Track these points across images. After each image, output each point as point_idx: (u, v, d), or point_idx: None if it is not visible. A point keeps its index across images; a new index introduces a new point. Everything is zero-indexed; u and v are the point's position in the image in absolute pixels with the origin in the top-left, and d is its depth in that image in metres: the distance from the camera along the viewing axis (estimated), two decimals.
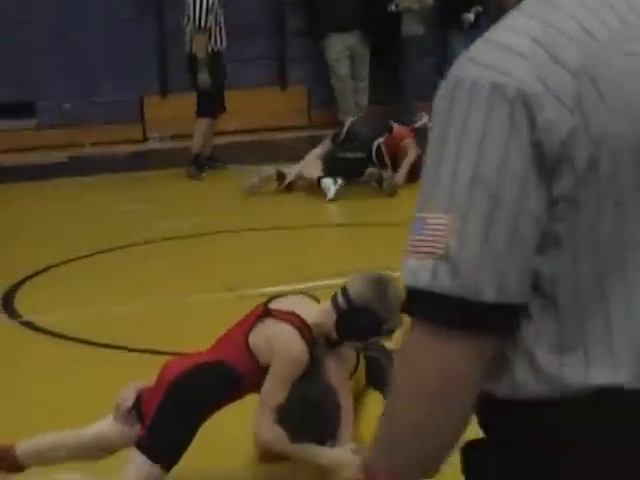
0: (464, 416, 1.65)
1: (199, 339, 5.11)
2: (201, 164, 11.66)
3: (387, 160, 10.84)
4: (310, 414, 4.24)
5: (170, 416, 4.22)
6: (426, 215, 1.60)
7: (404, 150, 11.04)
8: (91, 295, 7.70)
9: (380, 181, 10.65)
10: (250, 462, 4.64)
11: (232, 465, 4.75)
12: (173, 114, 13.72)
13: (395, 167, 10.94)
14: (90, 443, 4.43)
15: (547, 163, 1.57)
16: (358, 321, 4.23)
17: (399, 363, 1.70)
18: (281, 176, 10.84)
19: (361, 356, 4.52)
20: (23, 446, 4.50)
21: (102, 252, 8.83)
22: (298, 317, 4.28)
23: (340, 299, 4.27)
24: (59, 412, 5.36)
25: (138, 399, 4.36)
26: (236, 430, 4.70)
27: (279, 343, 4.26)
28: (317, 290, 5.48)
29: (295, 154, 11.53)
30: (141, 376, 4.92)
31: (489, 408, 1.66)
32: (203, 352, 4.48)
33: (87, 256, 8.73)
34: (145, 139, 14.29)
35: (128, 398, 4.35)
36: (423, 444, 1.65)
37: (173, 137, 13.92)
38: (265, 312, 4.37)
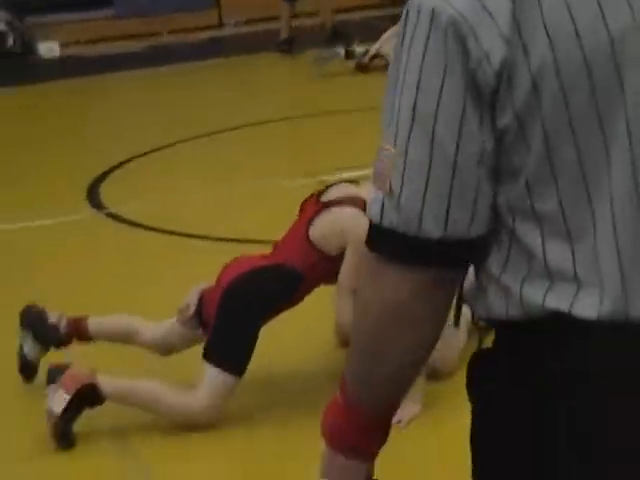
0: (410, 345, 1.64)
1: (280, 227, 5.03)
2: (287, 47, 11.64)
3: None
4: None
5: (230, 323, 4.20)
6: (381, 145, 1.59)
7: None
8: (173, 185, 7.70)
9: None
10: (331, 349, 4.63)
11: (313, 353, 4.76)
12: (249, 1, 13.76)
13: None
14: (152, 342, 4.47)
15: (484, 96, 1.51)
16: None
17: (357, 291, 1.72)
18: (350, 54, 10.72)
19: None
20: (95, 321, 4.58)
21: (183, 141, 8.77)
22: (361, 200, 4.23)
23: None
24: (138, 298, 5.41)
25: (200, 302, 4.35)
26: (317, 318, 4.68)
27: (351, 227, 4.18)
28: None
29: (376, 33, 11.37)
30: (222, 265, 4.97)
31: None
32: (262, 255, 4.45)
33: (168, 146, 8.68)
34: (221, 25, 14.21)
35: (191, 304, 4.35)
36: (367, 366, 1.66)
37: (247, 22, 13.88)
38: (323, 205, 4.34)
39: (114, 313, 4.74)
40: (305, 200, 4.46)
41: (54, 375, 4.13)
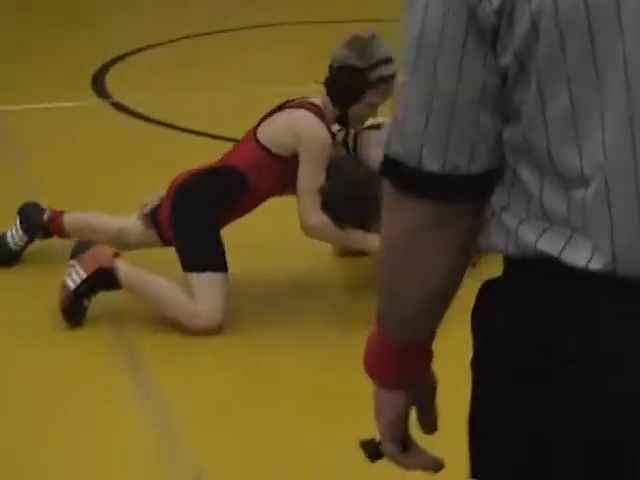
0: (427, 271, 1.63)
1: None
2: None
3: None
4: (354, 196, 4.22)
5: (187, 228, 4.24)
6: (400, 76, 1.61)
7: None
8: (178, 80, 7.63)
9: None
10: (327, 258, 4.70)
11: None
12: None
13: None
14: (114, 235, 4.50)
15: (485, 34, 1.48)
16: (341, 80, 4.21)
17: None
18: None
19: None
20: (70, 218, 4.62)
21: (192, 37, 8.72)
22: (311, 103, 4.27)
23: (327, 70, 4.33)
24: (131, 192, 5.24)
25: (158, 207, 4.37)
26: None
27: (302, 128, 4.22)
28: None
29: None
30: None
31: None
32: (211, 163, 4.50)
33: (176, 40, 8.61)
34: None
35: (150, 204, 4.37)
36: (393, 302, 1.68)
37: None
38: (276, 109, 4.34)
39: (95, 197, 4.87)
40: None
41: (77, 251, 4.16)
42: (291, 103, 4.37)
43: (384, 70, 4.22)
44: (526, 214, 1.57)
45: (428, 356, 1.75)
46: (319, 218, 4.20)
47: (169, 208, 4.31)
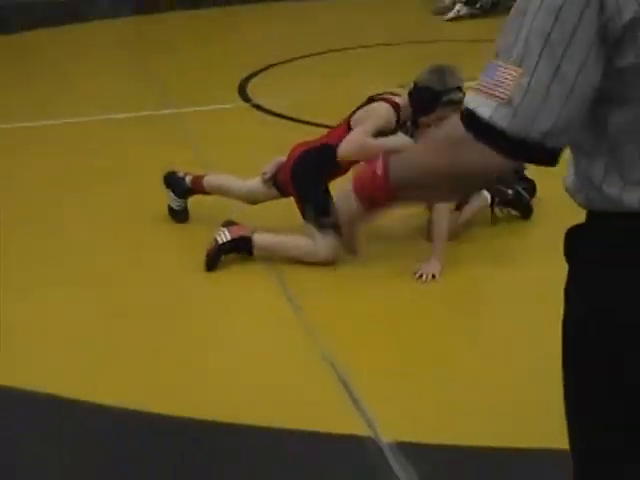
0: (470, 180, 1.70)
1: None
2: None
3: None
4: None
5: (303, 192, 4.75)
6: (500, 63, 1.60)
7: None
8: (310, 87, 7.99)
9: None
10: None
11: None
12: None
13: None
14: (245, 194, 5.03)
15: (610, 41, 1.54)
16: (419, 96, 4.63)
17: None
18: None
19: None
20: (209, 178, 5.15)
21: (322, 53, 9.27)
22: (392, 99, 4.70)
23: (410, 85, 4.71)
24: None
25: (278, 171, 4.88)
26: None
27: (374, 108, 4.68)
28: None
29: None
30: None
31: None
32: (320, 137, 4.89)
33: (309, 55, 9.20)
34: None
35: (269, 170, 4.90)
36: (422, 179, 1.73)
37: None
38: (366, 101, 4.76)
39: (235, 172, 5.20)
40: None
41: (227, 224, 4.73)
42: (379, 96, 4.79)
43: (454, 95, 4.57)
44: (623, 185, 1.63)
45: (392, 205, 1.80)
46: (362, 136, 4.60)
47: (289, 174, 4.81)
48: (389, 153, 1.76)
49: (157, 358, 3.97)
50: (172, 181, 5.24)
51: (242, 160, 5.83)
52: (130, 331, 4.19)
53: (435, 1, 11.19)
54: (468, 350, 3.99)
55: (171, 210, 5.24)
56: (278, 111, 7.36)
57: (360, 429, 3.43)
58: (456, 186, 1.72)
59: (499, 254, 4.88)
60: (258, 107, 7.50)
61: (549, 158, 1.60)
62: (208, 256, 4.62)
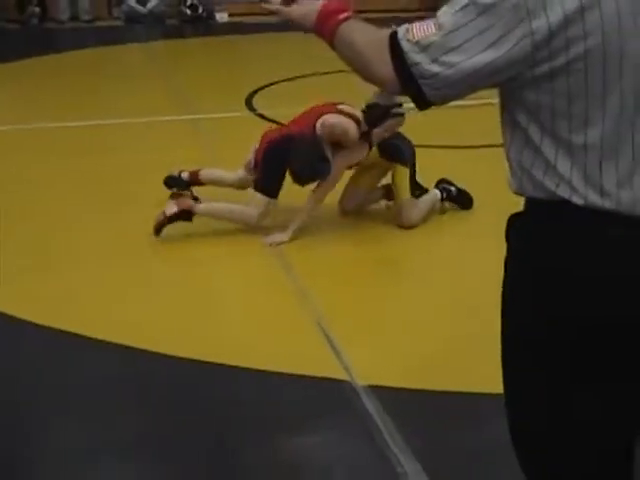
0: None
1: None
2: None
3: None
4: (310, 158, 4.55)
5: (268, 169, 4.63)
6: (435, 21, 1.57)
7: None
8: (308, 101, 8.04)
9: None
10: None
11: None
12: None
13: None
14: (237, 181, 4.95)
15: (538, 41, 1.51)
16: (373, 112, 4.65)
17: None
18: None
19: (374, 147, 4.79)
20: (204, 171, 5.08)
21: (317, 74, 8.87)
22: (356, 116, 4.66)
23: (363, 106, 4.70)
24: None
25: (254, 156, 4.73)
26: None
27: (345, 130, 4.60)
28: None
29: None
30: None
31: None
32: (287, 125, 4.83)
33: (306, 76, 8.97)
34: None
35: (250, 155, 4.77)
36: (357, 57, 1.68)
37: None
38: (335, 109, 4.67)
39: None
40: (325, 103, 4.82)
41: (173, 197, 4.72)
42: (342, 108, 4.70)
43: (398, 109, 4.67)
44: (545, 170, 1.55)
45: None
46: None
47: (261, 157, 4.69)
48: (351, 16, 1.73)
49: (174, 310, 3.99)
50: (172, 182, 5.14)
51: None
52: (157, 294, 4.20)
53: None
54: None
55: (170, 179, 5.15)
56: (277, 119, 7.14)
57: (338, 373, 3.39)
58: (353, 67, 1.69)
59: (447, 235, 4.99)
60: (262, 116, 7.42)
61: (422, 102, 1.59)
62: (157, 225, 4.60)
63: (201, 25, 13.46)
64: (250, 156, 4.82)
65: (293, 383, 3.33)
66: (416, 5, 15.11)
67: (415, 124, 4.81)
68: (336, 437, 3.01)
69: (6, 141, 6.79)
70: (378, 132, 4.72)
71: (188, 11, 13.78)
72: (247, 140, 6.29)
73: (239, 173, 4.96)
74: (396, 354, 3.55)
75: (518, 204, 1.70)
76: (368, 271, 4.47)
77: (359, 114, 4.70)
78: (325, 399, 3.24)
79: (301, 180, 4.55)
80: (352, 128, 4.62)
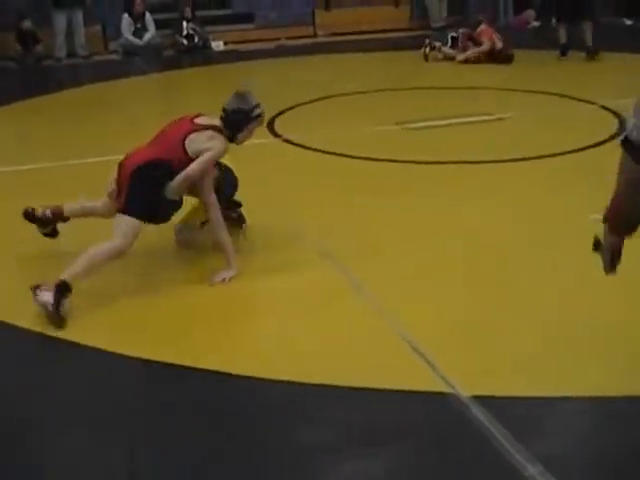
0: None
1: (389, 152, 5.95)
2: None
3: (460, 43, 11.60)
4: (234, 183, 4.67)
5: (137, 192, 4.32)
6: None
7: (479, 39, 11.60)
8: (327, 123, 8.00)
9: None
10: None
11: None
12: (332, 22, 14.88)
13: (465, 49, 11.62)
14: (105, 210, 4.64)
15: None
16: (235, 117, 4.50)
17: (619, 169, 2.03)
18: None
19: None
20: (68, 205, 4.79)
21: (332, 97, 9.28)
22: (218, 127, 4.50)
23: (222, 113, 4.54)
24: (297, 193, 5.81)
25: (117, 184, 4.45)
26: None
27: (214, 142, 4.44)
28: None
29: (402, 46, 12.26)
30: (379, 178, 5.76)
31: None
32: (147, 148, 4.48)
33: (323, 98, 9.21)
34: (315, 35, 15.20)
35: (111, 183, 4.54)
36: (624, 210, 2.03)
37: (332, 34, 14.83)
38: (199, 126, 4.47)
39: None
40: (181, 118, 4.59)
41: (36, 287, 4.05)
42: (208, 124, 4.50)
43: (258, 110, 4.54)
44: None
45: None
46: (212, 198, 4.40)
47: (127, 183, 4.36)
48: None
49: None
50: (31, 218, 4.87)
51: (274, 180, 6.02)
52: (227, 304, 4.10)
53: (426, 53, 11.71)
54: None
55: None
56: (304, 143, 7.30)
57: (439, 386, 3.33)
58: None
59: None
60: (288, 141, 7.44)
61: None
62: (52, 320, 3.96)
63: (198, 54, 13.57)
64: (111, 186, 4.56)
65: (392, 399, 3.28)
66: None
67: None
68: (457, 449, 3.02)
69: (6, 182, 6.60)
70: (243, 135, 4.60)
71: (185, 41, 13.87)
72: (281, 166, 6.57)
73: (103, 201, 4.69)
74: (481, 362, 3.50)
75: None
76: (434, 282, 4.38)
77: (218, 122, 4.56)
78: (434, 413, 3.21)
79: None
80: (222, 144, 4.49)
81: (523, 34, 14.33)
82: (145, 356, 3.70)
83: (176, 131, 4.48)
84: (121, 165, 4.46)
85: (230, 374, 3.51)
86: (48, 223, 4.85)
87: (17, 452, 3.08)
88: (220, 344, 3.82)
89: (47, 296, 3.94)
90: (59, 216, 4.81)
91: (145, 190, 4.34)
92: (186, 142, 4.42)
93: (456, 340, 3.69)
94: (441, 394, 3.31)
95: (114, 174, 4.49)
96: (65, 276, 4.02)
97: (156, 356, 3.71)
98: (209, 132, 4.46)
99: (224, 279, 4.42)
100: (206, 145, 4.42)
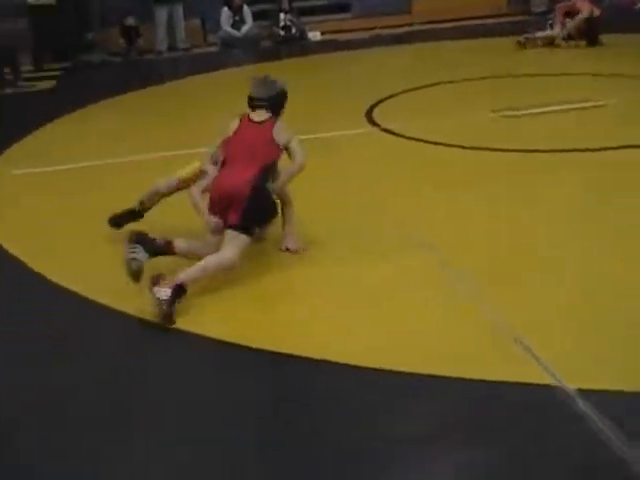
0: None
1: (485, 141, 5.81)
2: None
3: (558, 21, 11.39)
4: None
5: (255, 211, 4.33)
6: None
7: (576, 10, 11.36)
8: (425, 112, 7.96)
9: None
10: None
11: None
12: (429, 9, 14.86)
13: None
14: (209, 252, 4.36)
15: None
16: (280, 100, 4.63)
17: None
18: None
19: None
20: (179, 242, 4.45)
21: (432, 85, 9.16)
22: (272, 116, 4.61)
23: (263, 102, 4.59)
24: (391, 182, 5.79)
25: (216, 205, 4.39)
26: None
27: (287, 129, 4.58)
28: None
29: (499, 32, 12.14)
30: (474, 168, 5.66)
31: None
32: (243, 164, 4.43)
33: (420, 88, 9.17)
34: (412, 24, 15.11)
35: (218, 222, 4.38)
36: None
37: (429, 22, 14.75)
38: (264, 123, 4.55)
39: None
40: (244, 126, 4.56)
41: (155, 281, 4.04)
42: (260, 117, 4.59)
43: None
44: None
45: None
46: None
47: (244, 202, 4.33)
48: None
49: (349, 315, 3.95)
50: (142, 239, 4.45)
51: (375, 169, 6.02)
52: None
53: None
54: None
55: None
56: (402, 132, 7.27)
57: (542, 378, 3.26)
58: None
59: None
60: (386, 130, 7.42)
61: None
62: (164, 316, 3.97)
63: (295, 45, 13.70)
64: (216, 222, 4.42)
65: (496, 390, 3.22)
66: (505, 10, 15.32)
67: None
68: (559, 443, 2.96)
69: (124, 170, 6.77)
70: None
71: (282, 32, 14.00)
72: (377, 155, 6.57)
73: (206, 241, 4.49)
74: (589, 352, 3.42)
75: None
76: (526, 271, 4.28)
77: (264, 111, 4.67)
78: (536, 405, 3.14)
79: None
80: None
81: (629, 15, 13.82)
82: (238, 341, 3.76)
83: (260, 136, 4.54)
84: (219, 192, 4.39)
85: (326, 361, 3.51)
86: (157, 249, 4.45)
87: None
88: (311, 330, 3.82)
89: (165, 293, 3.98)
90: (168, 248, 4.47)
91: (263, 204, 4.42)
92: (276, 140, 4.55)
93: (560, 328, 3.60)
94: (545, 386, 3.25)
95: (205, 209, 4.40)
96: (183, 278, 4.07)
97: (250, 342, 3.75)
98: (278, 123, 4.60)
99: (296, 249, 4.59)
100: (286, 134, 4.56)
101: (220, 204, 4.40)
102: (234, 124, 4.63)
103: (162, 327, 3.92)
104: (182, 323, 3.96)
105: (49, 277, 4.61)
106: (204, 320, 3.98)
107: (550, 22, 11.62)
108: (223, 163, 4.54)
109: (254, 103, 4.65)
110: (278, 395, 3.37)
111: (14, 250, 5.12)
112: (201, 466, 2.94)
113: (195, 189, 4.56)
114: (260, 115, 4.63)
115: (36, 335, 3.99)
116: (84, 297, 4.32)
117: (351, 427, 3.08)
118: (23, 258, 4.96)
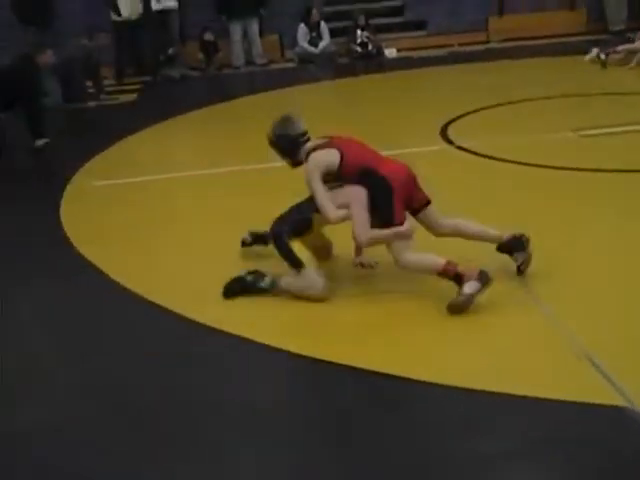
0: None
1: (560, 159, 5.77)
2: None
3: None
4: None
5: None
6: None
7: None
8: (496, 131, 7.92)
9: None
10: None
11: None
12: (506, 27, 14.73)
13: None
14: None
15: None
16: (281, 144, 4.49)
17: None
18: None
19: None
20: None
21: (500, 105, 9.08)
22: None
23: (295, 132, 4.50)
24: (470, 201, 5.69)
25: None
26: None
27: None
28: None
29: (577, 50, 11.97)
30: (532, 186, 5.62)
31: None
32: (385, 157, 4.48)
33: (493, 106, 9.08)
34: (488, 41, 15.09)
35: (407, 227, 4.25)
36: None
37: (505, 40, 14.67)
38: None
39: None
40: (345, 137, 4.55)
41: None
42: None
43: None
44: None
45: None
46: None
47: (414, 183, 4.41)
48: None
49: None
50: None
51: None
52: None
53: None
54: None
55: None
56: (476, 150, 7.22)
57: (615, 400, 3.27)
58: None
59: None
60: (461, 148, 7.38)
61: None
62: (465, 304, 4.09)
63: (372, 62, 13.74)
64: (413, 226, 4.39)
65: (568, 410, 3.25)
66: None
67: None
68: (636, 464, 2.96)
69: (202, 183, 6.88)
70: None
71: (358, 49, 14.12)
72: (454, 173, 6.51)
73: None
74: None
75: None
76: (615, 295, 4.27)
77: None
78: (613, 425, 3.17)
79: None
80: None
81: None
82: (324, 357, 3.81)
83: (366, 148, 4.58)
84: (399, 174, 4.43)
85: (407, 378, 3.55)
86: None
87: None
88: (395, 350, 3.86)
89: (474, 286, 4.07)
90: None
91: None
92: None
93: (636, 354, 3.60)
94: (619, 407, 3.26)
95: (386, 230, 4.28)
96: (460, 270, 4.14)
97: (332, 357, 3.80)
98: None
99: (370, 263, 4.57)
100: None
101: (407, 186, 4.38)
102: (332, 155, 4.43)
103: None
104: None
105: (146, 296, 4.65)
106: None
107: (630, 37, 11.44)
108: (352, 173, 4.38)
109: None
110: (373, 410, 3.40)
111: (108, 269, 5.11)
112: None
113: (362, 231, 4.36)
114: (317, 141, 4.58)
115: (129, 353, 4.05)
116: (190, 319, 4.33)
117: (439, 441, 3.15)
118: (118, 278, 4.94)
